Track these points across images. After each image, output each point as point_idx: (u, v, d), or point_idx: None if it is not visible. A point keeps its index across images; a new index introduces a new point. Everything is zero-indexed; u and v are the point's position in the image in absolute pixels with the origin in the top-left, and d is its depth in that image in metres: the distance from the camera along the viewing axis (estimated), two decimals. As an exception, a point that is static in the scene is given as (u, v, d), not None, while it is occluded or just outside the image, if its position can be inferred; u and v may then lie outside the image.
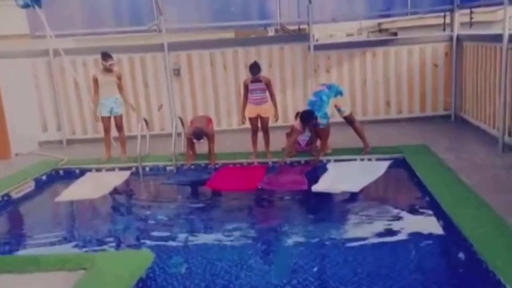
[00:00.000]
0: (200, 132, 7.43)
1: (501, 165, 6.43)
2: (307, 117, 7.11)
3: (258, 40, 11.09)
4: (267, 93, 7.57)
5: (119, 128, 8.22)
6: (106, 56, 7.95)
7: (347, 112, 7.55)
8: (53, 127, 9.99)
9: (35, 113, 9.87)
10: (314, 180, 6.67)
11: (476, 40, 8.61)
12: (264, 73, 9.65)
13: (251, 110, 7.63)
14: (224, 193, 6.75)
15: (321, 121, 7.09)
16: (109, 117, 8.11)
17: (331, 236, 5.13)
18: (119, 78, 8.10)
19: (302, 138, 7.88)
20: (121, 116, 8.21)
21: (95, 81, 7.96)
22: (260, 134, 7.74)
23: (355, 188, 6.28)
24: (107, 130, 8.17)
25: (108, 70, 7.95)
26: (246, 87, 7.57)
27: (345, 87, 9.60)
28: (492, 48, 7.66)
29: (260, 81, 7.49)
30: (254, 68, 7.44)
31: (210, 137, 7.62)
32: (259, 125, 7.69)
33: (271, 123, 7.79)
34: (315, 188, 6.42)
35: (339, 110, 7.51)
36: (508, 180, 5.88)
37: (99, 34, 10.32)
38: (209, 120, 7.94)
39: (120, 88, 8.11)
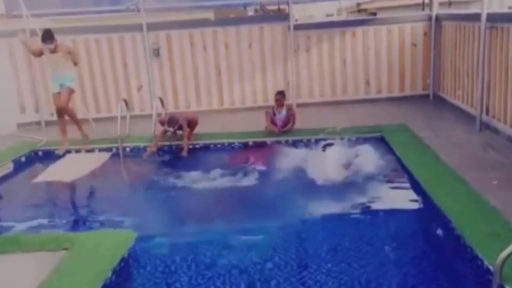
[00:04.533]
0: (174, 119, 7.40)
1: (478, 143, 6.54)
2: None
3: (238, 20, 10.99)
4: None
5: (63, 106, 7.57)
6: (45, 38, 7.35)
7: None
8: (31, 108, 9.82)
9: (13, 95, 9.68)
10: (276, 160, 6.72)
11: (455, 19, 8.67)
12: (243, 52, 9.68)
13: None
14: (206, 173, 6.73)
15: None
16: (59, 93, 7.60)
17: (308, 212, 5.19)
18: (70, 53, 7.57)
19: (278, 118, 7.86)
20: (68, 91, 7.56)
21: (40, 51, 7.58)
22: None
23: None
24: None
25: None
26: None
27: (324, 67, 9.72)
28: (470, 27, 7.72)
29: None
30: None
31: (192, 124, 7.62)
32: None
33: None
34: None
35: None
36: (485, 157, 6.00)
37: (76, 14, 10.14)
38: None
39: (74, 63, 7.58)
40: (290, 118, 7.90)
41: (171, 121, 7.38)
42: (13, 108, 9.66)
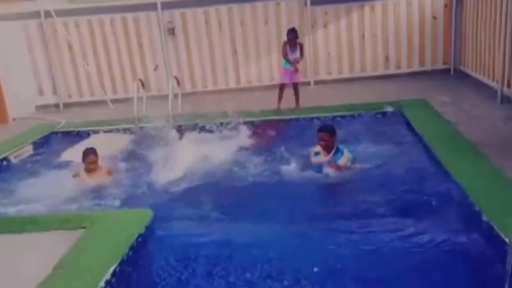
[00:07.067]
0: None
1: (500, 117, 6.40)
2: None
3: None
4: None
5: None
6: None
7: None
8: (49, 90, 9.91)
9: (30, 77, 9.76)
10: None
11: (476, -10, 8.43)
12: (260, 30, 9.57)
13: None
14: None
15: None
16: None
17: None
18: None
19: (292, 58, 7.69)
20: None
21: None
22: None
23: None
24: None
25: None
26: None
27: (342, 43, 9.55)
28: (492, -2, 7.50)
29: None
30: None
31: None
32: None
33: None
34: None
35: None
36: (507, 131, 5.86)
37: (91, -6, 10.12)
38: None
39: None
40: (301, 59, 7.79)
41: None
42: (32, 91, 9.75)
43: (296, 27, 9.38)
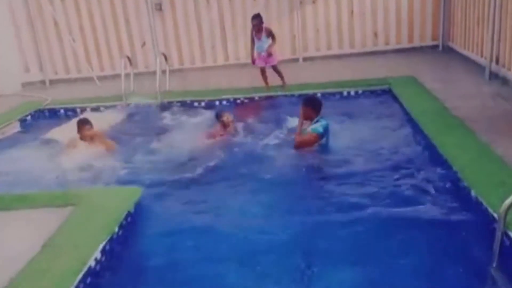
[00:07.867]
0: None
1: (488, 93, 6.42)
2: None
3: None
4: None
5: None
6: None
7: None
8: (35, 67, 9.76)
9: (16, 54, 9.59)
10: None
11: (466, -35, 8.36)
12: (248, 5, 9.46)
13: None
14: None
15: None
16: None
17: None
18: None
19: (259, 46, 7.56)
20: None
21: None
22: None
23: None
24: None
25: None
26: None
27: (331, 19, 9.48)
28: (481, -27, 7.45)
29: None
30: None
31: None
32: None
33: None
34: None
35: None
36: (495, 107, 5.89)
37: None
38: None
39: None
40: (273, 44, 7.51)
41: None
42: (17, 67, 9.59)
43: (286, 4, 9.42)
